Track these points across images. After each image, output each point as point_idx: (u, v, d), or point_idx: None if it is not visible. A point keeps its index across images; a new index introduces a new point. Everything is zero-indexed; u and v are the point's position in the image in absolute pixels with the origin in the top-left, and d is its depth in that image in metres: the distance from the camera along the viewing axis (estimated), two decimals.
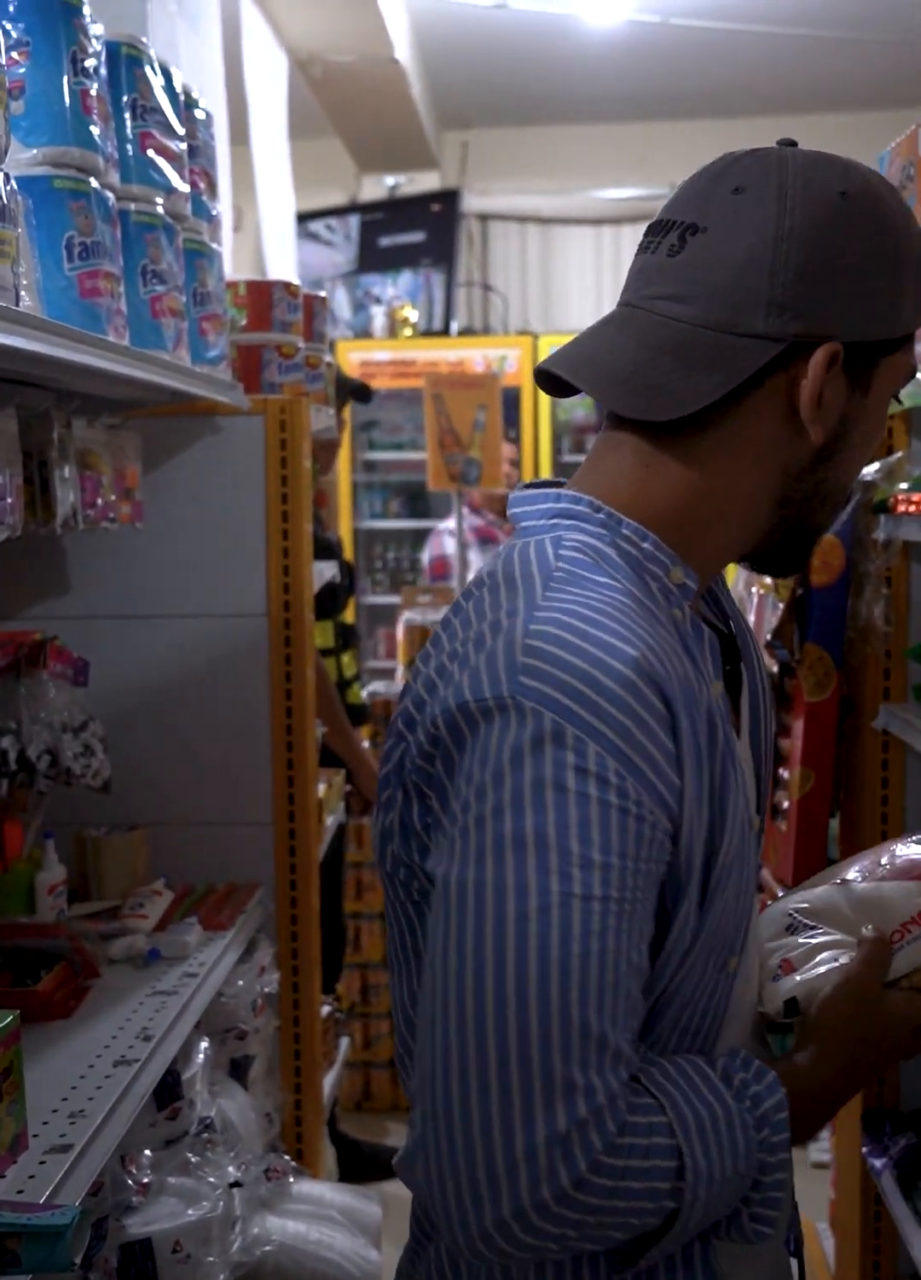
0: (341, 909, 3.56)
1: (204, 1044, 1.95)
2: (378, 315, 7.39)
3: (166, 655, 2.33)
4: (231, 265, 3.42)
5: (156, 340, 1.79)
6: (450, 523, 5.26)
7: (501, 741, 0.89)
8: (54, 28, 1.52)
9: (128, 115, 1.76)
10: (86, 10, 1.58)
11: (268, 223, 5.18)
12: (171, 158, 1.86)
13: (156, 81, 1.82)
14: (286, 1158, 2.12)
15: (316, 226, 7.66)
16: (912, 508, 1.99)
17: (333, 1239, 2.00)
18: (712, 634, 1.03)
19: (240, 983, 2.14)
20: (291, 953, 2.40)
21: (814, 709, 2.29)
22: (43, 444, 1.70)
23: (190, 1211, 1.71)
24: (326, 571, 2.79)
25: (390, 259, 7.57)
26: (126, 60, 1.76)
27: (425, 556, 6.17)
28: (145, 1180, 1.69)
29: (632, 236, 7.88)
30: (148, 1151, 1.73)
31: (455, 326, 7.49)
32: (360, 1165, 3.36)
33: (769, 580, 2.44)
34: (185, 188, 1.92)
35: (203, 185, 2.07)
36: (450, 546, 5.18)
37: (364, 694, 3.74)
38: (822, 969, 1.09)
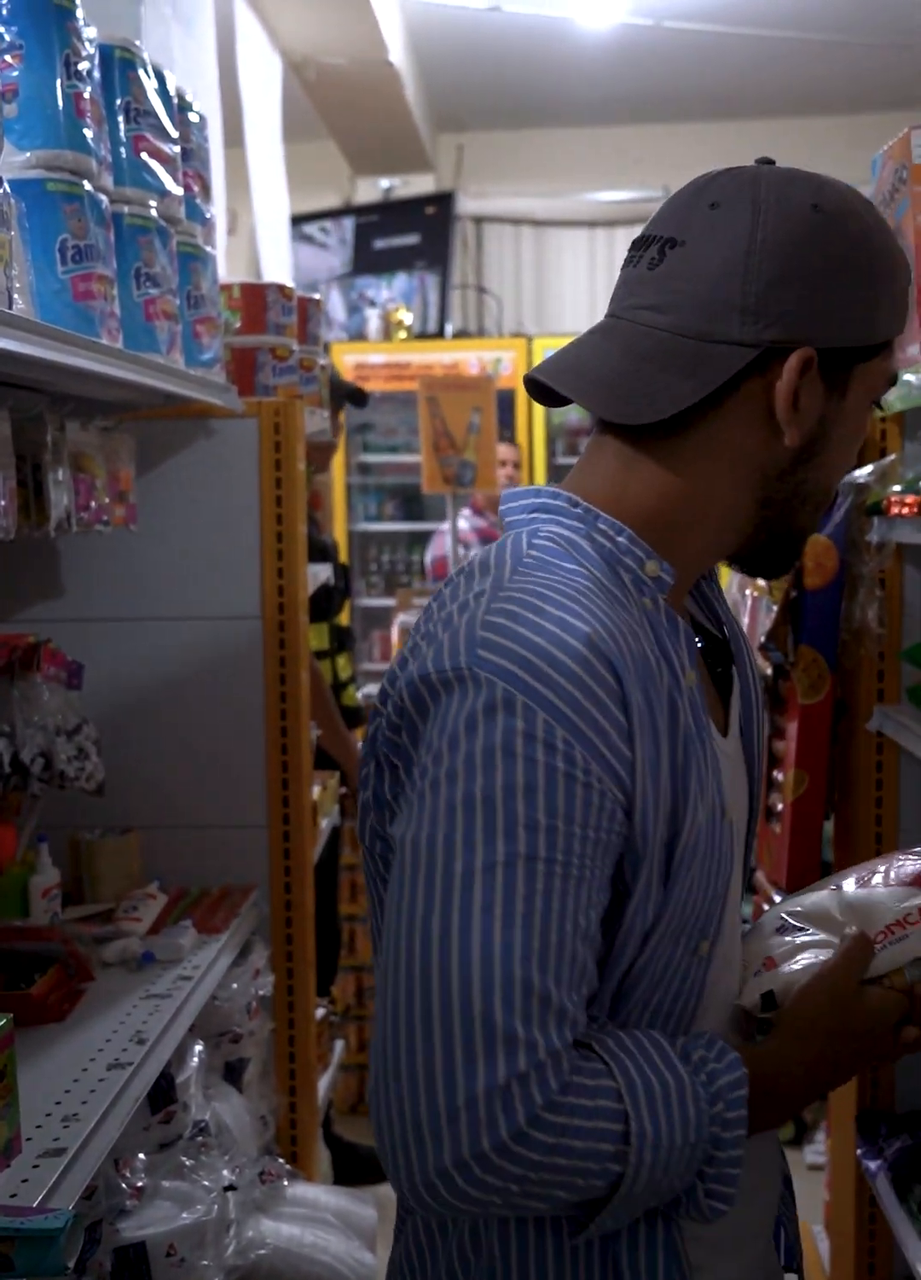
0: (336, 911, 3.56)
1: (198, 1047, 1.95)
2: (372, 318, 7.40)
3: (161, 658, 2.33)
4: (226, 268, 3.41)
5: (150, 343, 1.79)
6: (460, 523, 5.28)
7: (459, 710, 0.94)
8: (47, 31, 1.52)
9: (121, 118, 1.76)
10: (80, 13, 1.58)
11: (262, 225, 5.18)
12: (165, 161, 1.86)
13: (150, 85, 1.82)
14: (281, 1161, 2.12)
15: (311, 229, 7.67)
16: (906, 510, 1.99)
17: (327, 1242, 2.00)
18: (688, 626, 1.06)
19: (234, 986, 2.14)
20: (286, 955, 2.40)
21: (808, 711, 2.30)
22: (36, 447, 1.70)
23: (184, 1215, 1.70)
24: (321, 574, 2.79)
25: (385, 261, 7.58)
26: (120, 63, 1.76)
27: (427, 557, 6.18)
28: (139, 1184, 1.68)
29: (626, 239, 7.86)
30: (142, 1155, 1.73)
31: (450, 329, 7.49)
32: (355, 1168, 3.36)
33: (763, 583, 2.44)
34: (179, 191, 1.92)
35: (197, 188, 2.06)
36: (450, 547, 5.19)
37: (359, 696, 3.74)
38: (801, 964, 1.11)
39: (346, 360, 6.90)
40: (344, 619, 3.73)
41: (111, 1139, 1.44)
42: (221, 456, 2.32)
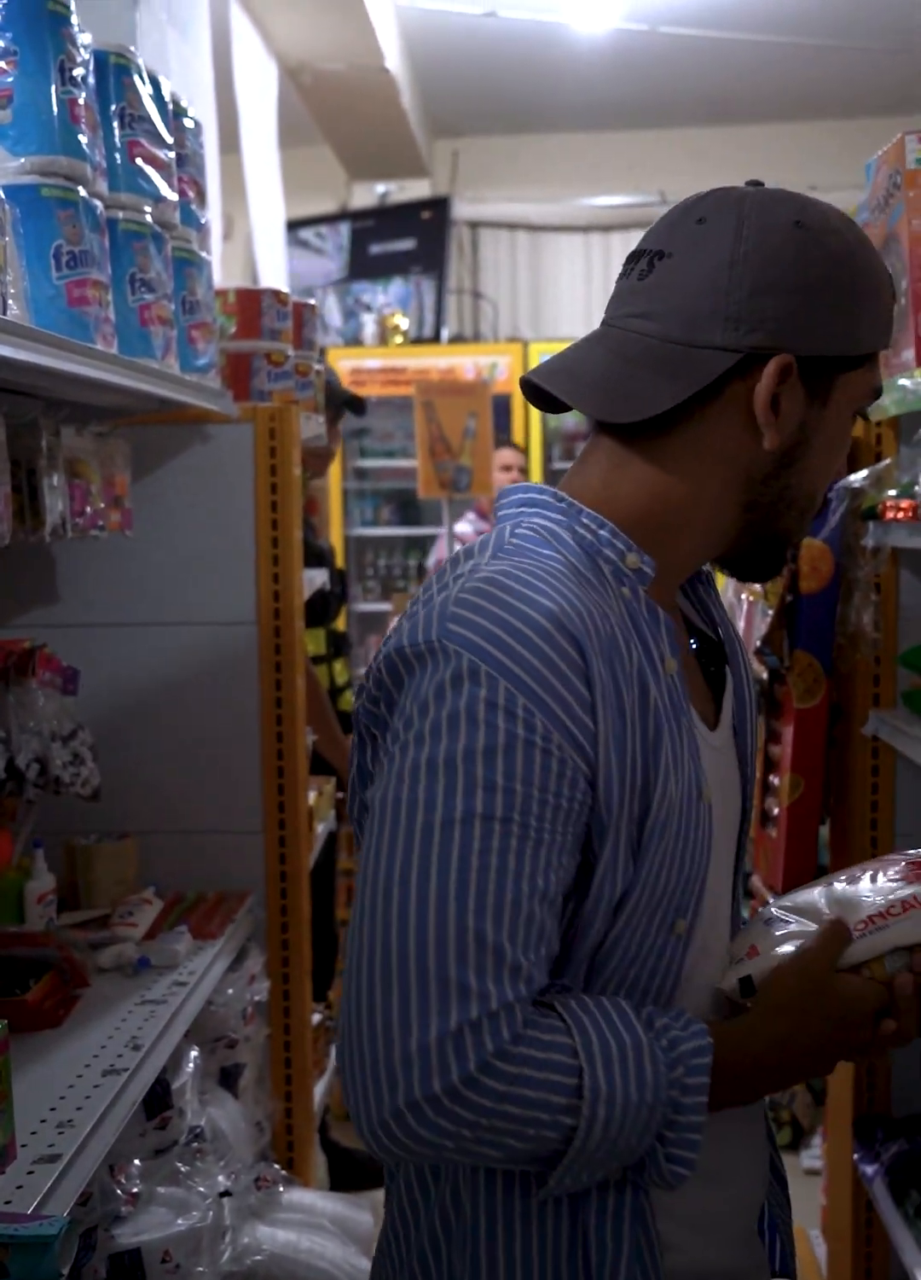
0: (333, 917, 3.56)
1: (194, 1053, 1.94)
2: (368, 323, 7.40)
3: (156, 663, 2.33)
4: (223, 273, 3.42)
5: (145, 348, 1.79)
6: (457, 527, 5.28)
7: (429, 680, 1.00)
8: (42, 37, 1.52)
9: (116, 124, 1.76)
10: (74, 19, 1.58)
11: (259, 230, 5.19)
12: (160, 166, 1.86)
13: (144, 90, 1.82)
14: (277, 1166, 2.11)
15: (307, 234, 7.67)
16: (901, 514, 2.00)
17: (323, 1248, 2.00)
18: (670, 618, 1.10)
19: (230, 991, 2.14)
20: (282, 961, 2.40)
21: (803, 715, 2.30)
22: (31, 452, 1.70)
23: (180, 1221, 1.70)
24: (317, 579, 2.79)
25: (381, 266, 7.58)
26: (115, 69, 1.76)
27: (429, 561, 6.19)
28: (134, 1190, 1.68)
29: (622, 243, 7.90)
30: (137, 1161, 1.72)
31: (445, 334, 7.49)
32: (352, 1174, 3.35)
33: (759, 587, 2.44)
34: (174, 196, 1.92)
35: (191, 194, 2.07)
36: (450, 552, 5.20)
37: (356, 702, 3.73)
38: (781, 950, 1.12)
39: (342, 365, 6.90)
40: (341, 624, 3.73)
41: (107, 1145, 1.44)
42: (217, 462, 2.32)
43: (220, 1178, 1.82)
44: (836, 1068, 1.12)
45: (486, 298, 8.06)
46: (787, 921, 1.15)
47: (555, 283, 8.23)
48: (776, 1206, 1.28)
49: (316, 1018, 2.71)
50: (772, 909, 1.17)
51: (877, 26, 6.00)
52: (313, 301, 2.88)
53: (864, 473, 2.18)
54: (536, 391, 1.14)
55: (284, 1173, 2.10)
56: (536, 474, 6.95)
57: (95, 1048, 1.63)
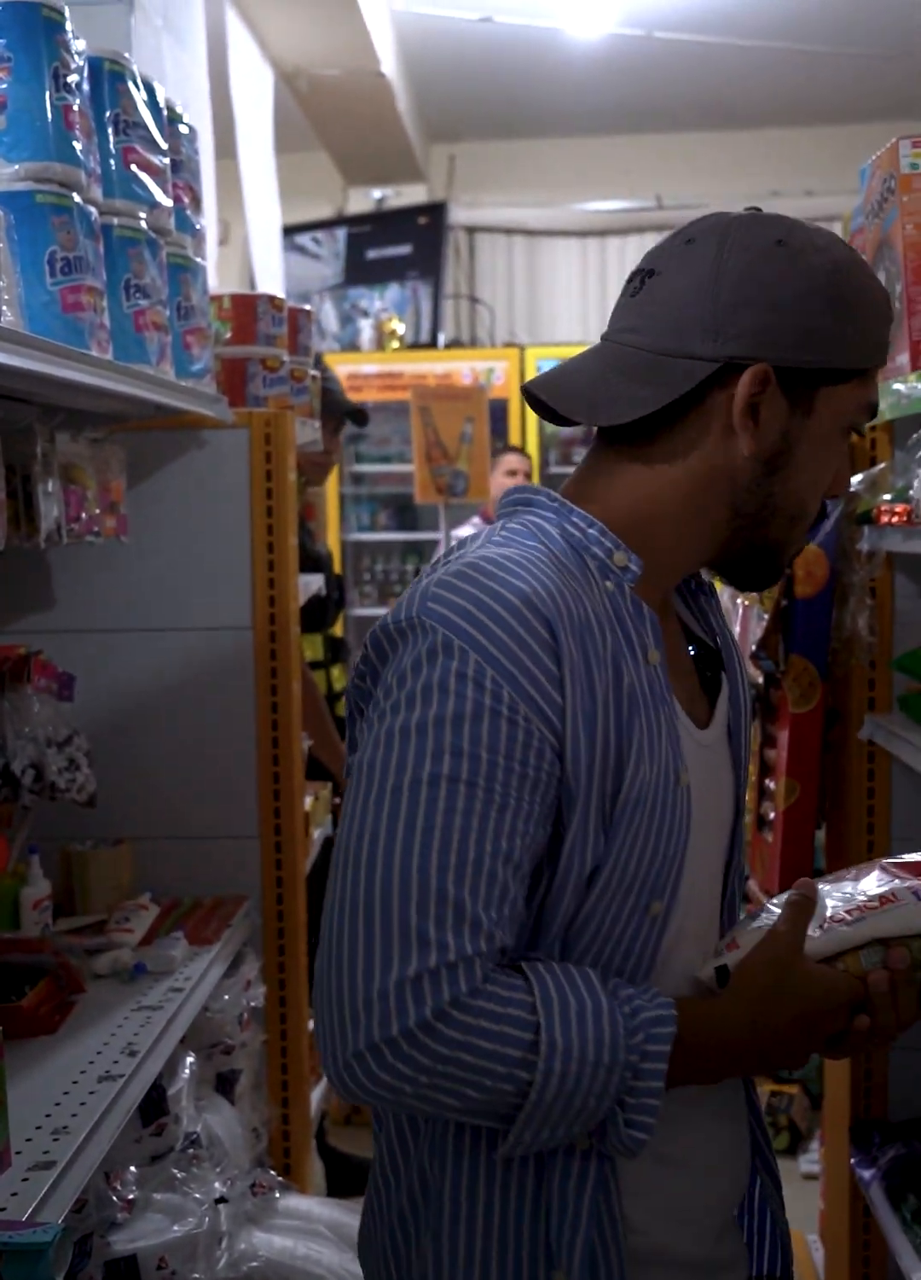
0: None
1: (190, 1059, 1.94)
2: (365, 328, 7.41)
3: (152, 669, 2.33)
4: (219, 278, 3.42)
5: (140, 354, 1.79)
6: (459, 531, 5.27)
7: (408, 654, 1.06)
8: (36, 43, 1.53)
9: (110, 130, 1.76)
10: (69, 25, 1.58)
11: (255, 236, 5.19)
12: (154, 172, 1.86)
13: (139, 96, 1.82)
14: (273, 1172, 2.11)
15: (303, 239, 7.68)
16: (896, 518, 2.00)
17: (320, 1254, 2.00)
18: (654, 614, 1.14)
19: (226, 997, 2.14)
20: (278, 966, 2.40)
21: (799, 720, 2.30)
22: (26, 458, 1.70)
23: (175, 1228, 1.70)
24: (313, 584, 2.79)
25: (377, 272, 7.59)
26: (109, 75, 1.76)
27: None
28: (130, 1196, 1.68)
29: (618, 248, 7.92)
30: (133, 1167, 1.72)
31: (442, 339, 7.50)
32: (349, 1179, 3.35)
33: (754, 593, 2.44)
34: (168, 202, 1.92)
35: (186, 199, 2.07)
36: None
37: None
38: (758, 941, 1.13)
39: (339, 371, 6.88)
40: (338, 629, 3.73)
41: (102, 1151, 1.44)
42: (212, 467, 2.32)
43: (216, 1184, 1.82)
44: (828, 1068, 1.14)
45: (483, 303, 8.07)
46: (772, 915, 1.16)
47: (551, 287, 8.24)
48: (771, 1205, 1.28)
49: (312, 1023, 2.70)
50: (763, 909, 1.18)
51: (872, 32, 6.02)
52: (309, 307, 2.88)
53: (858, 477, 2.18)
54: (540, 402, 1.19)
55: (280, 1179, 2.10)
56: (534, 476, 6.95)
57: (91, 1054, 1.63)
